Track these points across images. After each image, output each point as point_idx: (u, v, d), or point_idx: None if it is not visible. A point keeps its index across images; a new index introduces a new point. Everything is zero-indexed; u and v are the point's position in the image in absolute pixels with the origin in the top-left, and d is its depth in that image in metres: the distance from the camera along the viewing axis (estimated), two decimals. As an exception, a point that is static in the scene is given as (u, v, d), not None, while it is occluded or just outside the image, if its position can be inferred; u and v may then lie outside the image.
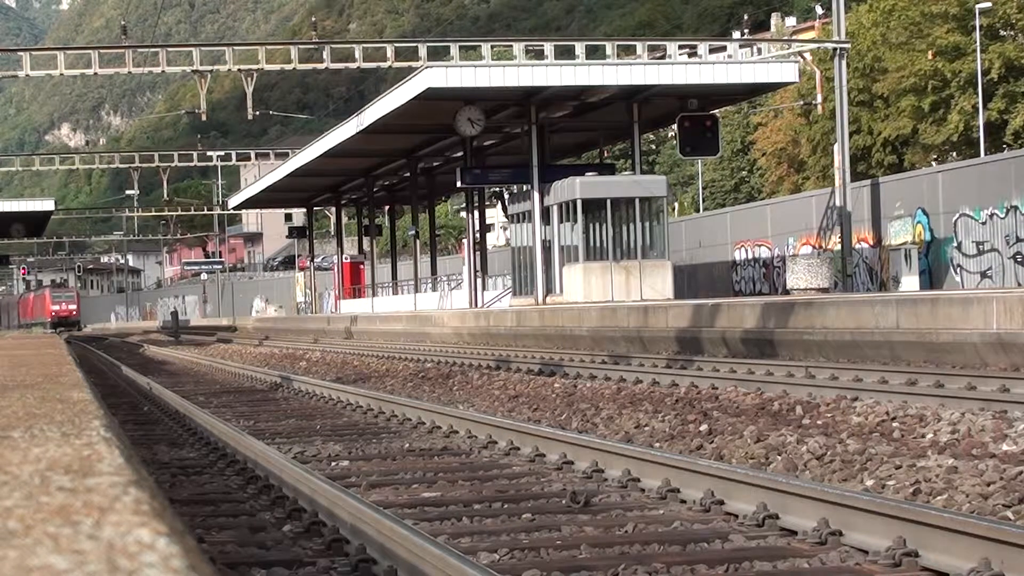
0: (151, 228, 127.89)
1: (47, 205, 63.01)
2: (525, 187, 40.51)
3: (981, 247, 34.82)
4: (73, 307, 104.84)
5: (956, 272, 35.67)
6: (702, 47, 44.33)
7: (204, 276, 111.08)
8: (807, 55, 44.71)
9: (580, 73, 37.13)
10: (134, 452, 5.58)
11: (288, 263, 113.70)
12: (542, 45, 39.80)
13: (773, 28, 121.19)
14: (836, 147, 39.72)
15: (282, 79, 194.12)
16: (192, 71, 39.52)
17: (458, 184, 42.95)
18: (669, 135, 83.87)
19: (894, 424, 11.12)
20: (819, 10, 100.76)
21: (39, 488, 2.15)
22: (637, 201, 37.76)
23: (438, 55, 40.10)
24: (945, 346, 18.50)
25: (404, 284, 59.36)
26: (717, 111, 44.75)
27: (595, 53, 45.40)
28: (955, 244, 35.70)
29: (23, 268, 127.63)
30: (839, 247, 38.75)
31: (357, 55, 38.55)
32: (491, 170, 43.12)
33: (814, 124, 63.04)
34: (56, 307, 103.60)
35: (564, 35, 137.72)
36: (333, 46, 39.46)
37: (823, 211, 40.96)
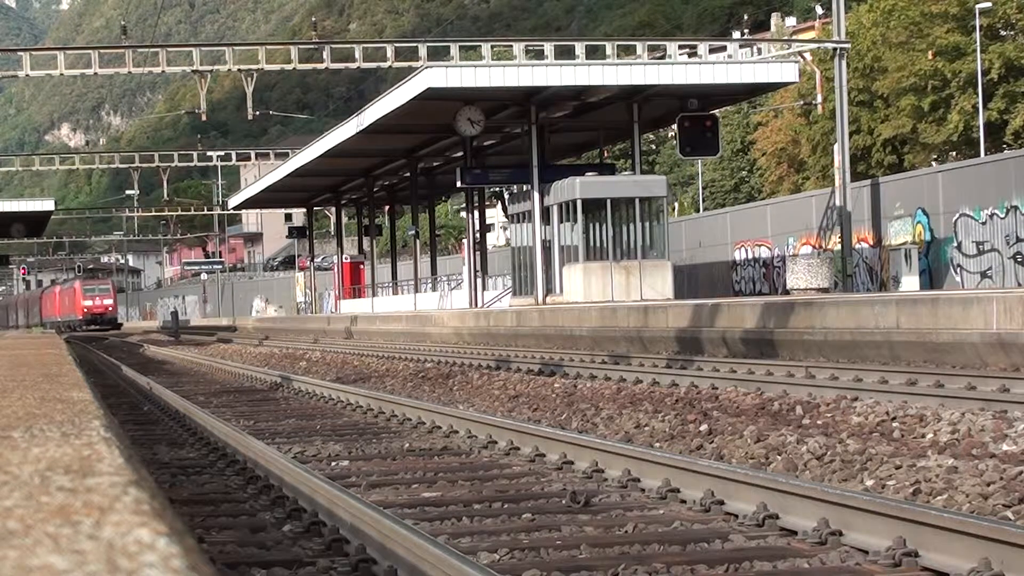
0: (151, 228, 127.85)
1: (47, 205, 63.00)
2: (525, 187, 40.51)
3: (981, 247, 34.82)
4: (109, 302, 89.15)
5: (956, 272, 35.66)
6: (702, 47, 44.35)
7: (204, 276, 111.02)
8: (807, 55, 44.71)
9: (580, 73, 37.12)
10: (134, 452, 5.58)
11: (288, 263, 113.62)
12: (542, 45, 39.79)
13: (773, 28, 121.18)
14: (836, 147, 39.72)
15: (282, 79, 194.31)
16: (192, 71, 39.52)
17: (458, 184, 42.95)
18: (669, 135, 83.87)
19: (894, 424, 11.12)
20: (819, 10, 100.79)
21: (39, 488, 2.15)
22: (637, 201, 37.75)
23: (438, 55, 40.10)
24: (945, 346, 18.50)
25: (404, 284, 59.35)
26: (717, 111, 44.75)
27: (595, 53, 45.38)
28: (955, 244, 35.70)
29: (23, 268, 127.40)
30: (839, 247, 38.74)
31: (357, 55, 38.55)
32: (491, 170, 43.12)
33: (814, 124, 63.04)
34: (88, 302, 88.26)
35: (564, 35, 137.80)
36: (333, 46, 39.45)
37: (823, 211, 40.95)
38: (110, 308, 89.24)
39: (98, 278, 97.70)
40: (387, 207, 63.86)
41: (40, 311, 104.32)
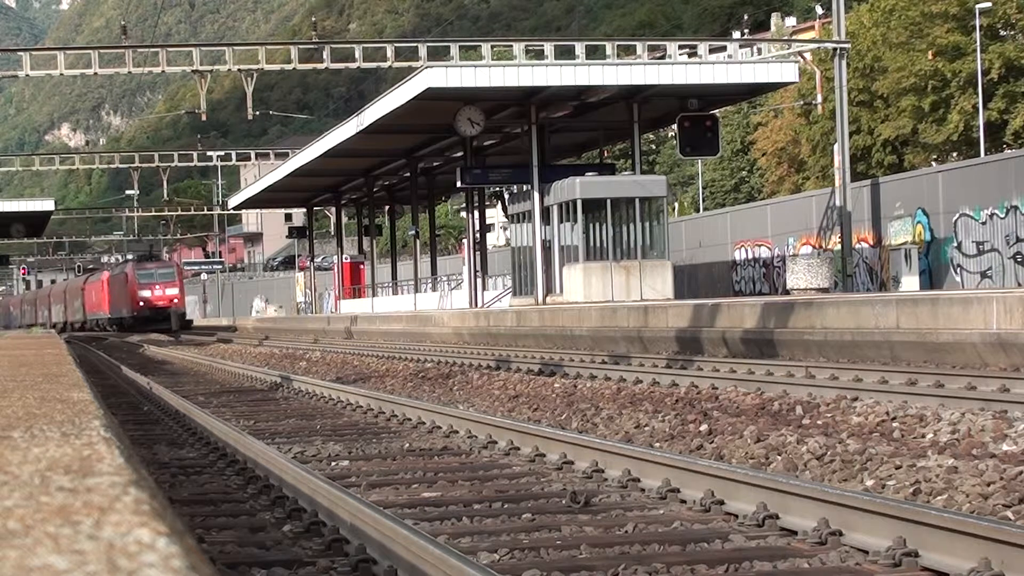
0: (151, 228, 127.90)
1: (47, 205, 63.07)
2: (525, 187, 40.51)
3: (981, 247, 34.83)
4: (174, 292, 69.21)
5: (956, 272, 35.67)
6: (702, 47, 44.34)
7: (204, 276, 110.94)
8: (807, 55, 44.71)
9: (580, 73, 37.12)
10: (134, 452, 5.57)
11: (288, 263, 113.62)
12: (542, 45, 39.80)
13: (773, 28, 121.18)
14: (836, 147, 39.73)
15: (282, 79, 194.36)
16: (192, 71, 39.53)
17: (458, 184, 42.96)
18: (669, 135, 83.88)
19: (894, 424, 11.12)
20: (819, 10, 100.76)
21: (39, 488, 2.15)
22: (637, 201, 37.76)
23: (438, 55, 40.10)
24: (945, 346, 18.50)
25: (404, 284, 59.37)
26: (717, 111, 44.75)
27: (595, 53, 45.40)
28: (955, 244, 35.71)
29: (23, 268, 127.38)
30: (839, 247, 38.75)
31: (357, 55, 38.56)
32: (491, 170, 43.12)
33: (814, 124, 63.05)
34: (146, 292, 68.47)
35: (564, 35, 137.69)
36: (333, 46, 39.46)
37: (823, 211, 40.96)
38: (175, 300, 69.26)
39: (158, 260, 74.97)
40: (387, 207, 63.87)
41: (83, 305, 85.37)
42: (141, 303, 67.97)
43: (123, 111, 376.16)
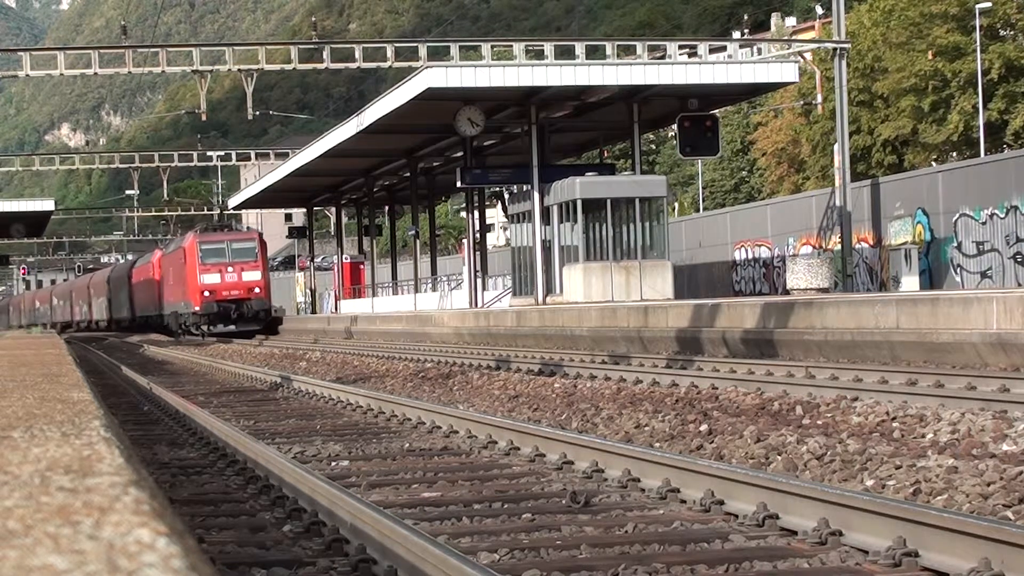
0: (151, 228, 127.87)
1: (47, 205, 63.03)
2: (525, 187, 40.51)
3: (981, 247, 34.82)
4: (255, 276, 51.30)
5: (956, 272, 35.66)
6: (702, 47, 44.35)
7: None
8: (807, 55, 44.70)
9: (580, 73, 37.12)
10: (134, 452, 5.57)
11: (288, 263, 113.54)
12: (542, 45, 39.79)
13: (773, 28, 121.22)
14: (836, 147, 39.72)
15: (282, 79, 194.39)
16: (192, 71, 39.53)
17: (458, 184, 42.95)
18: (669, 135, 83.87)
19: (894, 424, 11.12)
20: (819, 10, 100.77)
21: (39, 488, 2.15)
22: (637, 201, 37.75)
23: (438, 55, 40.09)
24: (945, 346, 18.49)
25: (404, 284, 59.36)
26: (717, 111, 44.73)
27: (595, 53, 45.40)
28: (955, 244, 35.70)
29: (23, 268, 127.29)
30: (839, 247, 38.75)
31: (357, 55, 38.56)
32: (491, 170, 43.11)
33: (814, 124, 63.05)
34: (213, 277, 50.78)
35: (564, 35, 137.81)
36: (333, 46, 39.45)
37: (823, 211, 40.96)
38: (257, 289, 51.30)
39: (232, 230, 56.15)
40: (387, 207, 63.84)
41: (130, 297, 68.97)
42: (206, 293, 50.62)
43: (123, 111, 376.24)
